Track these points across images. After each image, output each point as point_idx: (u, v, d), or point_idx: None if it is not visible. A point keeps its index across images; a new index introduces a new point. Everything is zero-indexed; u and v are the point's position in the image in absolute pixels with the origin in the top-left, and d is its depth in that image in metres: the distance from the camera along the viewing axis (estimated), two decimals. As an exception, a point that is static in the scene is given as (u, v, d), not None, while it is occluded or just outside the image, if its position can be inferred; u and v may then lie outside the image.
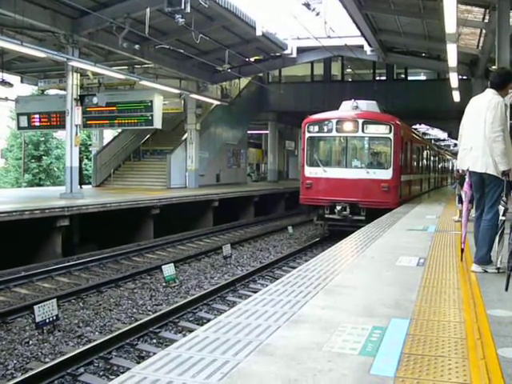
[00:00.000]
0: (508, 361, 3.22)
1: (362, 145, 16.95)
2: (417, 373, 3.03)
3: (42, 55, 16.21)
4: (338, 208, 15.85)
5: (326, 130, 16.76)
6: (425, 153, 25.17)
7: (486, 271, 5.86)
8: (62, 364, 6.50)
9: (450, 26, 11.39)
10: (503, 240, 5.65)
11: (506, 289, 4.41)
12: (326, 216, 16.42)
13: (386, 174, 15.99)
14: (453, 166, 43.24)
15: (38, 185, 35.80)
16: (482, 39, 17.25)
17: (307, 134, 16.94)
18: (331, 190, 16.26)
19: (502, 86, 5.93)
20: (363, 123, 16.16)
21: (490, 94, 5.97)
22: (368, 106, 17.52)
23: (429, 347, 3.48)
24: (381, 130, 16.30)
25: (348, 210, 15.77)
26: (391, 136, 15.99)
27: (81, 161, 24.40)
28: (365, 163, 16.57)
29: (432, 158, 29.33)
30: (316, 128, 16.89)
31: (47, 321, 7.98)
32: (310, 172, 16.72)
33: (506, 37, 12.29)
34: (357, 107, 16.89)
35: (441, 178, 36.88)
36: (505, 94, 5.95)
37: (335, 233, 16.07)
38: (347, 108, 17.12)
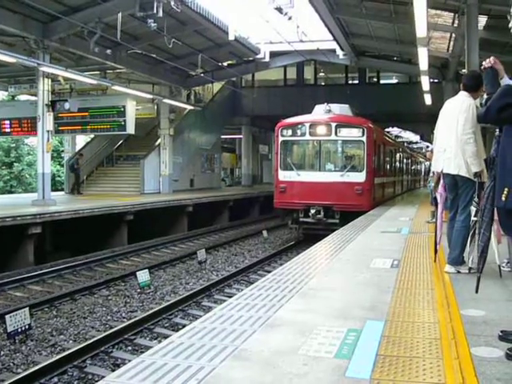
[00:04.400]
0: (481, 359, 3.26)
1: (336, 148, 17.03)
2: (392, 374, 3.04)
3: (12, 60, 15.98)
4: (312, 211, 15.79)
5: (299, 133, 16.77)
6: (398, 155, 25.37)
7: (459, 272, 5.92)
8: (35, 374, 6.38)
9: (421, 30, 11.55)
10: (475, 240, 5.71)
11: (477, 291, 4.46)
12: (301, 220, 16.38)
13: (359, 177, 16.01)
14: (425, 168, 43.73)
15: (10, 192, 35.27)
16: (451, 43, 17.53)
17: (280, 138, 16.94)
18: (305, 193, 16.21)
19: (476, 89, 6.00)
20: (336, 126, 16.19)
21: (462, 96, 6.05)
22: (341, 109, 17.53)
23: (404, 348, 3.50)
24: (354, 133, 16.32)
25: (322, 213, 15.74)
26: (364, 139, 16.04)
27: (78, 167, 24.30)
28: (338, 166, 16.63)
29: (405, 161, 29.62)
30: (289, 132, 16.88)
31: (19, 330, 7.83)
32: (284, 176, 16.71)
33: (474, 40, 12.49)
34: (330, 111, 16.87)
35: (414, 181, 37.25)
36: (477, 97, 6.02)
37: (310, 236, 15.98)
38: (320, 112, 17.11)
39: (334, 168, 16.65)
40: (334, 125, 16.23)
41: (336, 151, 17.10)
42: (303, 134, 16.67)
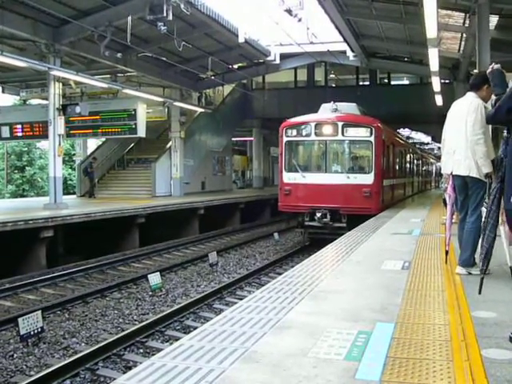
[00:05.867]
0: (491, 361, 3.24)
1: (342, 149, 16.40)
2: (402, 376, 3.03)
3: (23, 65, 16.10)
4: (318, 215, 15.29)
5: (304, 133, 16.23)
6: (408, 156, 24.88)
7: (470, 273, 5.89)
8: (47, 377, 6.43)
9: (431, 31, 11.49)
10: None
11: (480, 292, 4.44)
12: (306, 223, 15.89)
13: (367, 179, 15.48)
14: (436, 169, 43.51)
15: (22, 196, 35.53)
16: (462, 43, 17.44)
17: (285, 139, 16.42)
18: (311, 196, 15.72)
19: (478, 87, 5.97)
20: (343, 126, 15.63)
21: (470, 97, 6.02)
22: (348, 108, 17.03)
23: (414, 350, 3.48)
24: (361, 132, 15.74)
25: (328, 216, 15.22)
26: (372, 139, 15.51)
27: (92, 171, 24.44)
28: (345, 168, 16.09)
29: (415, 162, 29.11)
30: (294, 132, 16.36)
31: (32, 333, 7.89)
32: (289, 178, 16.21)
33: (486, 40, 12.43)
34: (336, 110, 16.33)
35: (424, 182, 36.84)
36: (486, 97, 5.98)
37: (316, 241, 15.45)
38: (326, 111, 16.60)
39: (340, 170, 16.12)
40: (340, 124, 15.67)
41: (343, 152, 16.47)
42: (308, 134, 16.14)
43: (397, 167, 20.48)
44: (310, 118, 16.40)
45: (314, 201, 15.54)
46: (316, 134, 15.97)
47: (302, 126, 16.25)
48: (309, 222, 15.74)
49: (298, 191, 16.03)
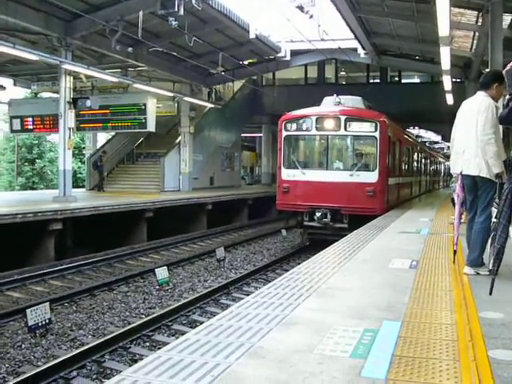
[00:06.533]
0: (498, 362, 3.23)
1: (345, 144, 15.54)
2: (408, 375, 3.03)
3: (35, 58, 16.15)
4: (318, 215, 14.45)
5: (304, 127, 15.26)
6: (415, 154, 24.15)
7: (478, 273, 5.86)
8: (54, 367, 6.48)
9: (444, 29, 11.43)
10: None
11: (490, 293, 4.42)
12: (305, 223, 15.03)
13: (371, 177, 14.53)
14: (445, 168, 43.24)
15: (32, 188, 35.69)
16: (475, 42, 17.32)
17: (284, 133, 15.54)
18: (310, 194, 14.83)
19: (488, 86, 5.94)
20: (346, 120, 14.65)
21: (480, 96, 5.97)
22: (352, 101, 16.14)
23: (420, 349, 3.48)
24: (365, 127, 14.73)
25: (329, 216, 14.37)
26: (377, 134, 14.54)
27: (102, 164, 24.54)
28: (347, 165, 15.20)
29: (423, 161, 28.44)
30: (294, 126, 15.44)
31: (40, 324, 7.94)
32: (288, 175, 15.36)
33: (498, 39, 12.35)
34: (339, 103, 15.43)
35: (433, 181, 36.22)
36: (496, 96, 5.95)
37: (316, 242, 14.87)
38: (329, 104, 15.73)
39: (342, 167, 15.24)
40: (343, 118, 14.69)
41: (345, 148, 15.61)
42: (309, 129, 15.17)
43: (403, 165, 19.63)
44: (311, 112, 15.49)
45: (313, 199, 14.70)
46: (317, 128, 15.07)
47: (303, 120, 15.35)
48: (308, 221, 14.91)
49: (297, 189, 15.18)
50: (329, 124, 14.94)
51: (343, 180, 14.61)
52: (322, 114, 15.18)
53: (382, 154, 14.61)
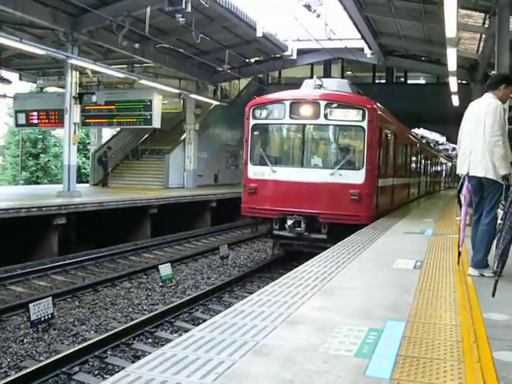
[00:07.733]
0: (503, 364, 3.22)
1: (325, 136, 13.06)
2: (412, 375, 3.02)
3: (42, 52, 16.19)
4: (290, 223, 11.82)
5: (276, 115, 12.60)
6: (414, 151, 21.41)
7: (482, 275, 5.85)
8: (56, 362, 6.49)
9: (451, 31, 11.39)
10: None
11: (493, 295, 4.41)
12: (275, 233, 12.42)
13: (356, 177, 11.83)
14: (447, 169, 42.87)
15: (36, 183, 35.76)
16: (481, 44, 17.29)
17: (252, 121, 12.72)
18: (281, 197, 12.20)
19: (495, 87, 5.93)
20: (326, 106, 11.93)
21: (488, 97, 5.97)
22: (337, 85, 13.50)
23: (424, 350, 3.47)
24: (351, 115, 11.99)
25: (303, 225, 11.73)
26: (364, 124, 11.80)
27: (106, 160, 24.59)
28: (328, 162, 12.58)
29: (423, 161, 25.92)
30: (264, 113, 12.71)
31: (42, 319, 7.96)
32: (255, 172, 12.56)
33: (505, 42, 12.31)
34: (321, 86, 12.64)
35: (433, 183, 34.39)
36: (503, 97, 5.94)
37: (291, 254, 13.03)
38: (308, 87, 12.98)
39: (321, 164, 12.57)
40: (323, 104, 11.95)
41: (325, 140, 13.12)
42: (281, 116, 12.42)
43: (399, 164, 16.58)
44: (285, 96, 12.77)
45: (285, 204, 12.07)
46: (291, 116, 12.29)
47: (274, 105, 12.70)
48: (278, 230, 12.27)
49: (265, 190, 12.50)
50: (306, 111, 12.23)
51: (322, 180, 11.94)
52: (298, 99, 12.43)
53: (370, 148, 11.92)
